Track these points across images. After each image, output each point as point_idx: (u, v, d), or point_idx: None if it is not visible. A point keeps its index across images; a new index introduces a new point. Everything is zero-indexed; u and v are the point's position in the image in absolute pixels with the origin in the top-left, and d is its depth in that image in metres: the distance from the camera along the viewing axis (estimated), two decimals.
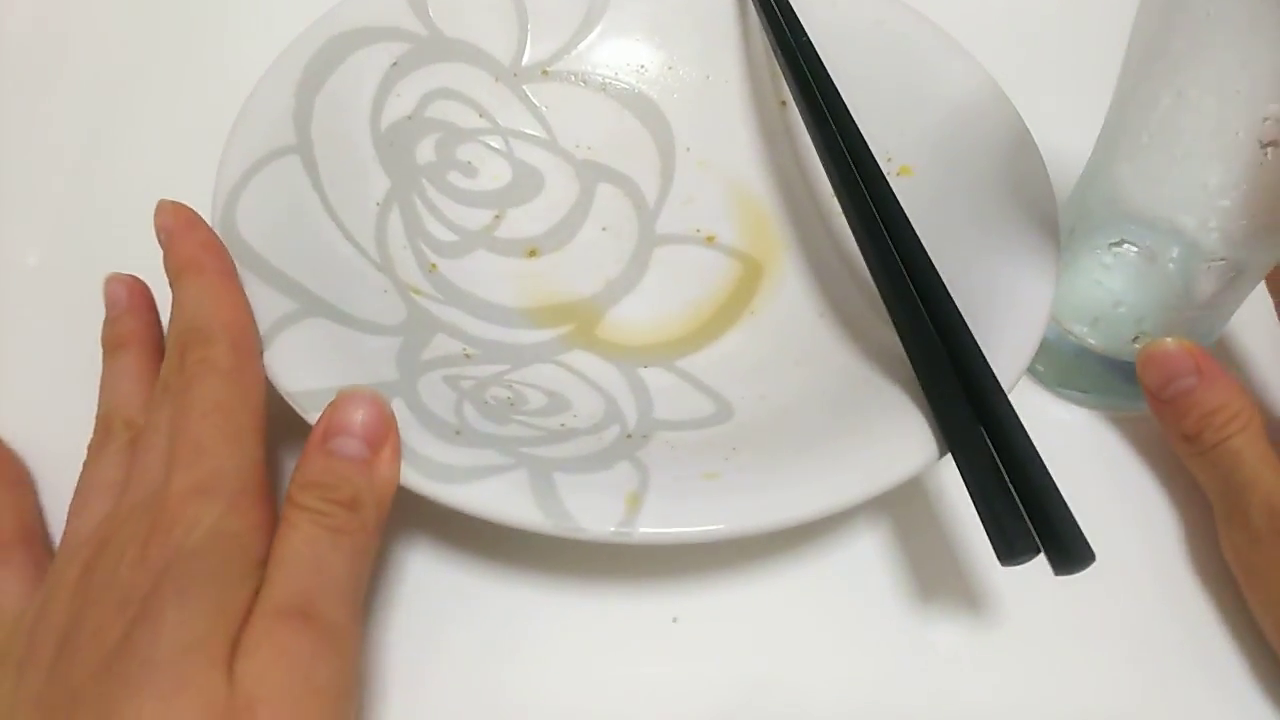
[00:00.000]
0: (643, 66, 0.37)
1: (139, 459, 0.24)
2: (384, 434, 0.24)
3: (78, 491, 0.26)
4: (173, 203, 0.28)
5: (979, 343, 0.26)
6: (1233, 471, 0.27)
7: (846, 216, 0.29)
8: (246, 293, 0.27)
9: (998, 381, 0.25)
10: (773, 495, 0.25)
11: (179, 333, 0.26)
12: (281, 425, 0.30)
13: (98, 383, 0.28)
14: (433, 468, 0.24)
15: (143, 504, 0.23)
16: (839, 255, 0.33)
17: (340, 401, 0.25)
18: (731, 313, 0.32)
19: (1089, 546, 0.22)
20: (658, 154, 0.36)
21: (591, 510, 0.24)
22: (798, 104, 0.32)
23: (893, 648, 0.28)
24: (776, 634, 0.28)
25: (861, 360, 0.29)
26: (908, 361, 0.27)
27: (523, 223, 0.34)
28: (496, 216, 0.34)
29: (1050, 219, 0.29)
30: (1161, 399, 0.29)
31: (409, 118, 0.34)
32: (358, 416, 0.24)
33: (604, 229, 0.34)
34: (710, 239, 0.34)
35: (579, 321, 0.32)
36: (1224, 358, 0.33)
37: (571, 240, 0.34)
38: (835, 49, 0.33)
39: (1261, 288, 0.29)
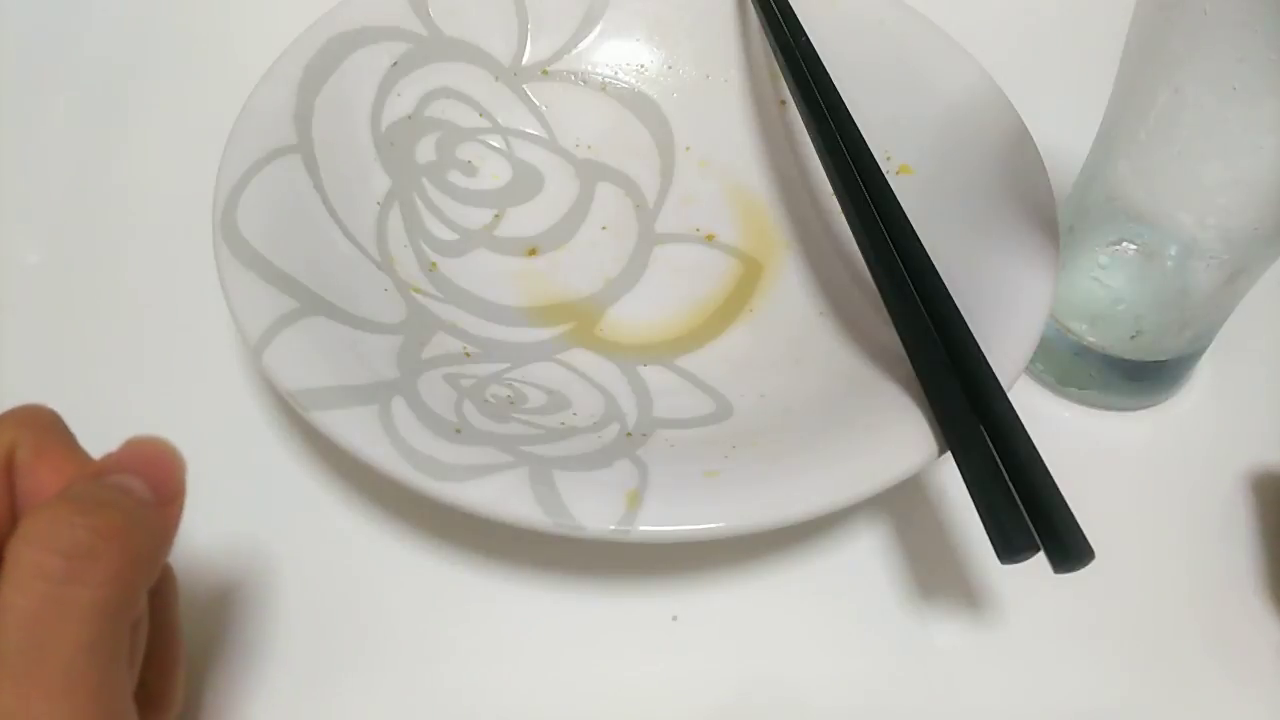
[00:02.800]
0: (642, 66, 0.37)
1: None
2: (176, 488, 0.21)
3: None
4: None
5: (978, 341, 0.26)
6: None
7: (846, 215, 0.29)
8: (247, 293, 0.27)
9: (997, 380, 0.25)
10: (772, 493, 0.25)
11: None
12: (284, 425, 0.31)
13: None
14: (433, 466, 0.24)
15: None
16: (838, 254, 0.33)
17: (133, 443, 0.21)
18: (731, 311, 0.32)
19: (1088, 544, 0.22)
20: (657, 153, 0.36)
21: (591, 508, 0.24)
22: (797, 103, 0.32)
23: (892, 646, 0.28)
24: (776, 632, 0.28)
25: (861, 358, 0.29)
26: (907, 360, 0.27)
27: (523, 222, 0.34)
28: (496, 215, 0.34)
29: (1049, 217, 0.29)
30: None
31: (409, 117, 0.34)
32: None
33: (604, 228, 0.34)
34: (710, 238, 0.34)
35: (579, 320, 0.32)
36: (1222, 357, 0.33)
37: (571, 239, 0.34)
38: (834, 48, 0.33)
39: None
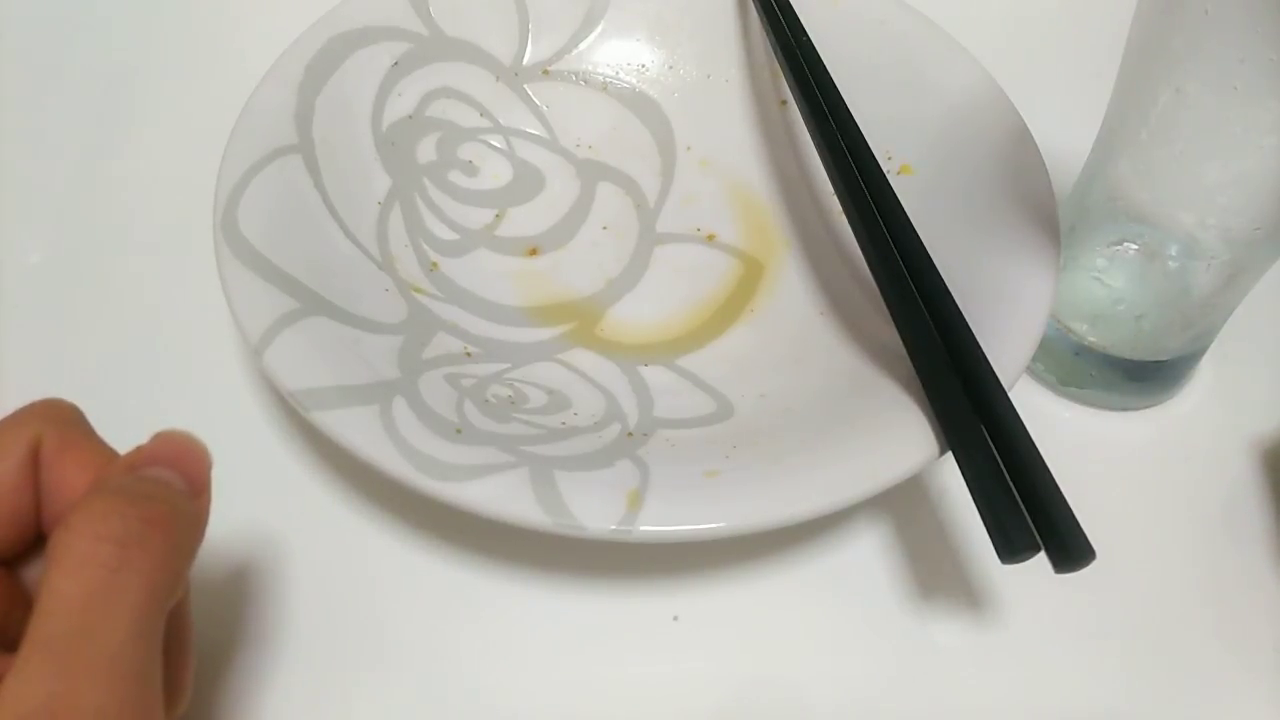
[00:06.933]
0: (643, 66, 0.37)
1: None
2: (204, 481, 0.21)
3: None
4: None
5: (979, 341, 0.26)
6: None
7: (847, 215, 0.29)
8: (248, 293, 0.27)
9: (998, 379, 0.25)
10: (773, 493, 0.25)
11: None
12: (284, 425, 0.31)
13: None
14: (434, 466, 0.24)
15: None
16: (839, 254, 0.33)
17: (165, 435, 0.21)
18: (732, 311, 0.32)
19: (1089, 544, 0.22)
20: (658, 153, 0.36)
21: (592, 508, 0.24)
22: (798, 103, 0.32)
23: (893, 647, 0.28)
24: (777, 633, 0.28)
25: (862, 358, 0.29)
26: (908, 359, 0.27)
27: (523, 221, 0.34)
28: (497, 215, 0.34)
29: (1050, 217, 0.29)
30: None
31: (410, 117, 0.34)
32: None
33: (605, 228, 0.34)
34: (711, 238, 0.34)
35: (580, 320, 0.32)
36: (1223, 357, 0.33)
37: (572, 239, 0.34)
38: (835, 48, 0.33)
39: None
